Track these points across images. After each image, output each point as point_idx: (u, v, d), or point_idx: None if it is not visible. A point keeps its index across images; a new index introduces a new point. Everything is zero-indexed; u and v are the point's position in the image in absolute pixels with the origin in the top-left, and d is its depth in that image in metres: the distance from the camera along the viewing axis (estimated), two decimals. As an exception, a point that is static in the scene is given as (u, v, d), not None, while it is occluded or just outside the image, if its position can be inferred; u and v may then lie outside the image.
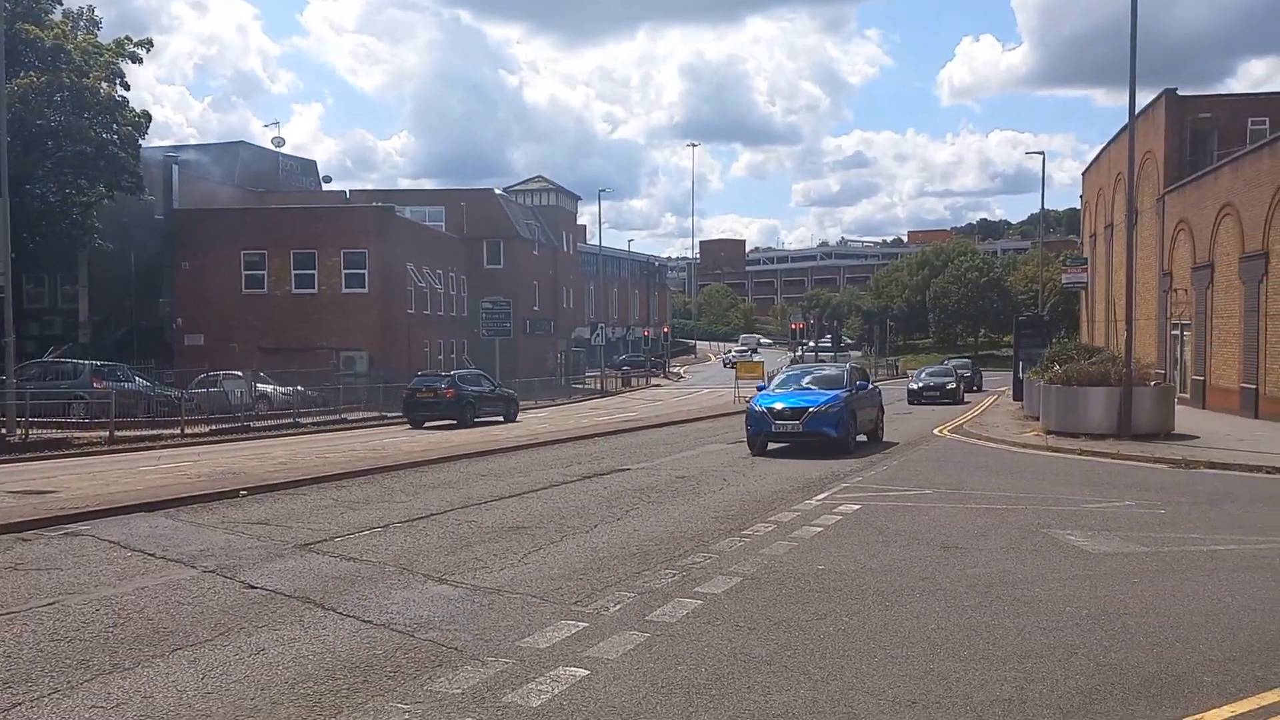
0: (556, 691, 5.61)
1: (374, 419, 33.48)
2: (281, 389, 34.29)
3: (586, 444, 23.59)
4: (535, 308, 60.81)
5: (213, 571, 9.05)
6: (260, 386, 33.44)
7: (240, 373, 33.80)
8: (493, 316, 46.64)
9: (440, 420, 30.09)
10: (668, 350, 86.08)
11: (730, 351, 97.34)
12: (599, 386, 59.36)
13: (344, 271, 42.73)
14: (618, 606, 7.52)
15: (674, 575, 8.63)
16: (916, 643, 6.54)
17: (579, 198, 73.77)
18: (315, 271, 42.75)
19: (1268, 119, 35.11)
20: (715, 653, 6.32)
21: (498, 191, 62.88)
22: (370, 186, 70.13)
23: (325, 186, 62.41)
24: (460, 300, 53.18)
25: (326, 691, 5.70)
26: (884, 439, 22.78)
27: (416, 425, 30.08)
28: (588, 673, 5.93)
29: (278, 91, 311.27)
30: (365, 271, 42.68)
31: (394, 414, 34.64)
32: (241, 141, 57.67)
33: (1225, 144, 35.32)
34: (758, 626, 6.95)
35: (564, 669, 6.00)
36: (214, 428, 28.02)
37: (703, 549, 9.85)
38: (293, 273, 42.85)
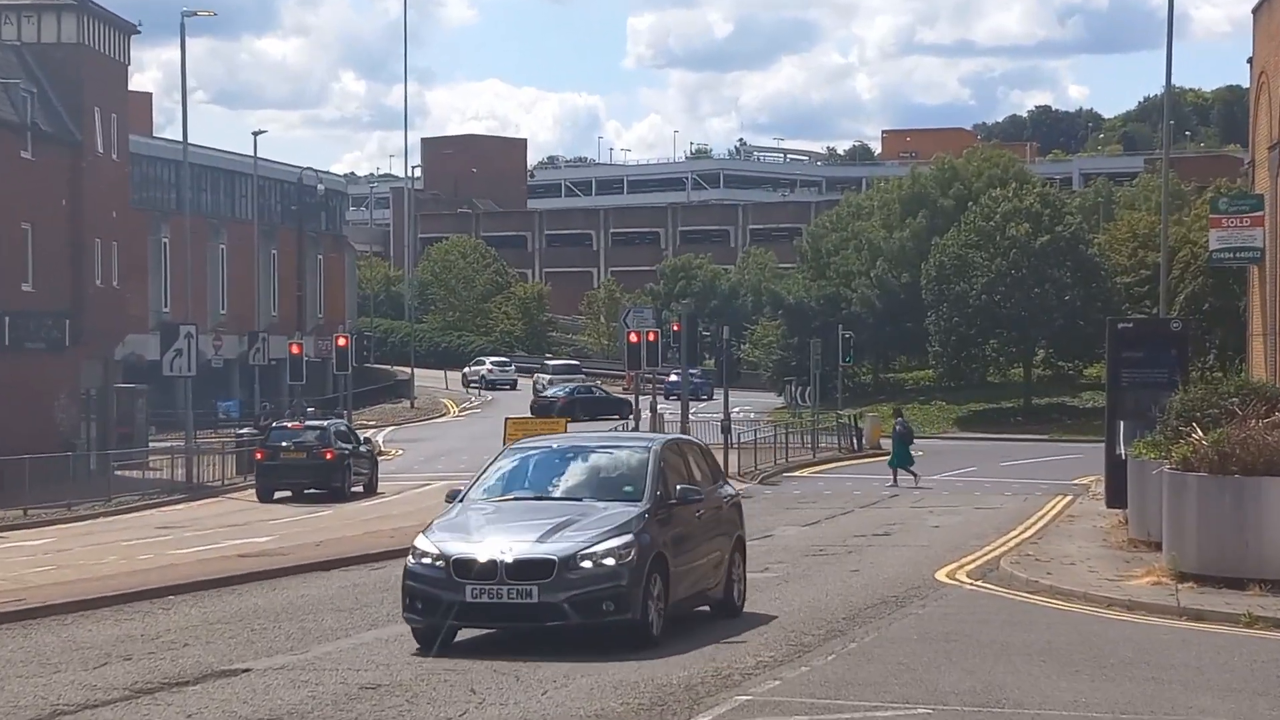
0: None
1: None
2: None
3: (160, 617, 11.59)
4: (26, 286, 30.59)
5: None
6: None
7: None
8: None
9: None
10: (349, 388, 44.41)
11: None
12: (183, 475, 29.69)
13: None
14: None
15: None
16: None
17: (136, 30, 37.18)
18: None
19: None
20: None
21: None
22: None
23: None
24: None
25: None
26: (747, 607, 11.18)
27: None
28: None
29: None
30: None
31: None
32: None
33: None
34: None
35: None
36: None
37: None
38: None
